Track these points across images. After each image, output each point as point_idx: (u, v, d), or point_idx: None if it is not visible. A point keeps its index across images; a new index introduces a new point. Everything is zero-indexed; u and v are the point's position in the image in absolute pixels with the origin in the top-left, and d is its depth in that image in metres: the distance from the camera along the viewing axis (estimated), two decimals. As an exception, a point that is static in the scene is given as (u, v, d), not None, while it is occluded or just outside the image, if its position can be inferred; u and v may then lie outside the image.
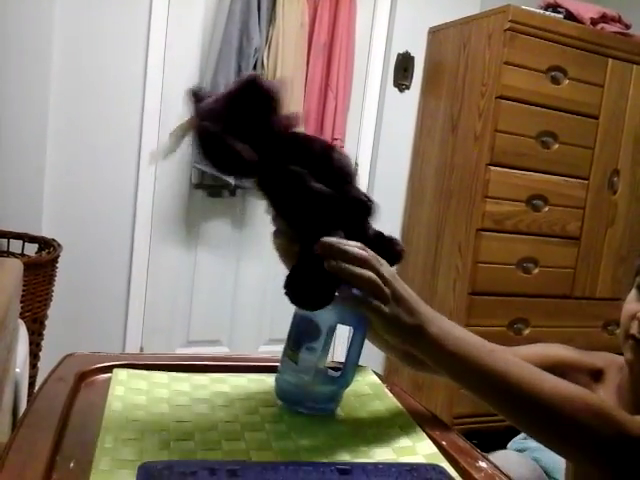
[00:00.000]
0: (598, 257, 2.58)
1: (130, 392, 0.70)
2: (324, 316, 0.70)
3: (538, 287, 2.49)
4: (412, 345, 0.65)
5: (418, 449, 0.65)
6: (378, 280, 0.63)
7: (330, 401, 0.74)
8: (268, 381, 0.79)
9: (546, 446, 0.68)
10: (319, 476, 0.53)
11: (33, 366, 1.84)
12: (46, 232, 2.16)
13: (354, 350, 0.72)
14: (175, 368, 0.79)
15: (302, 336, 0.72)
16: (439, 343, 0.64)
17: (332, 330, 0.71)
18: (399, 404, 0.76)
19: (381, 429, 0.70)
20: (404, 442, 0.67)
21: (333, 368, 0.74)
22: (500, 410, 0.66)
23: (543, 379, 0.65)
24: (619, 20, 2.55)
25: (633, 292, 0.90)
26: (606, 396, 0.92)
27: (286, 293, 0.65)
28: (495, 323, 2.44)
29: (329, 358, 0.74)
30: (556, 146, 2.42)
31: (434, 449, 0.65)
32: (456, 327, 0.67)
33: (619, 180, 2.56)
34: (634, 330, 0.86)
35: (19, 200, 2.17)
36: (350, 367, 0.72)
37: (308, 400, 0.72)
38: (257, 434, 0.64)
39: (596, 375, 0.95)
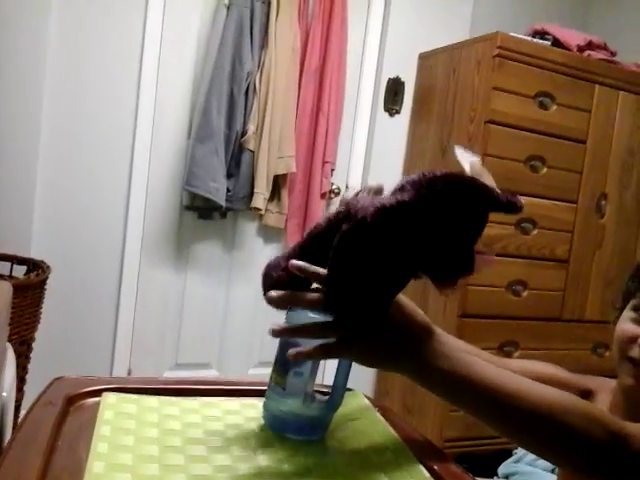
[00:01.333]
0: (587, 280, 2.60)
1: (119, 416, 0.69)
2: (311, 340, 0.70)
3: (527, 310, 2.49)
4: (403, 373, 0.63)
5: (411, 473, 0.65)
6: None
7: (319, 426, 0.73)
8: (259, 406, 0.79)
9: (545, 458, 0.66)
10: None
11: (19, 389, 1.82)
12: (35, 254, 2.15)
13: (341, 373, 0.72)
14: (165, 392, 0.78)
15: (289, 361, 0.72)
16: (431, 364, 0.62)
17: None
18: (390, 428, 0.76)
19: (373, 454, 0.69)
20: (396, 467, 0.66)
21: (322, 392, 0.74)
22: (498, 428, 0.64)
23: (541, 390, 0.63)
24: (605, 47, 2.60)
25: (628, 314, 0.89)
26: None
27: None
28: (485, 345, 2.43)
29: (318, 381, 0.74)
30: (544, 170, 2.45)
31: (426, 474, 0.65)
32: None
33: (607, 204, 2.59)
34: (634, 354, 0.85)
35: (8, 222, 2.15)
36: (338, 391, 0.72)
37: (296, 425, 0.72)
38: (249, 464, 0.63)
39: (586, 396, 0.94)
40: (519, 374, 0.70)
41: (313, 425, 0.73)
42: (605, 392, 0.95)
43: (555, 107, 2.43)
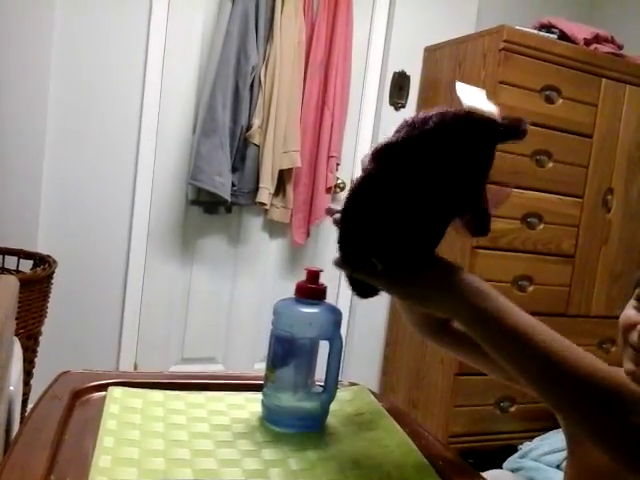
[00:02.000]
0: (592, 275, 2.59)
1: (125, 410, 0.69)
2: (300, 332, 0.71)
3: (533, 305, 2.49)
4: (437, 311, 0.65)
5: (415, 468, 0.65)
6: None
7: (315, 418, 0.74)
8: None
9: (577, 424, 0.63)
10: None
11: (26, 384, 1.83)
12: (41, 248, 2.16)
13: (333, 364, 0.73)
14: (171, 386, 0.79)
15: (278, 355, 0.73)
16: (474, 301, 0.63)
17: (311, 347, 0.72)
18: (395, 423, 0.76)
19: (377, 449, 0.69)
20: (400, 461, 0.66)
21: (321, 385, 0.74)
22: (534, 380, 0.62)
23: (588, 356, 0.61)
24: (612, 41, 2.58)
25: (632, 302, 0.90)
26: None
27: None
28: (491, 341, 2.44)
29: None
30: (550, 165, 2.44)
31: (431, 469, 0.65)
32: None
33: (613, 198, 2.58)
34: (634, 339, 0.86)
35: (15, 216, 2.16)
36: (331, 381, 0.73)
37: (292, 418, 0.72)
38: (254, 458, 0.63)
39: None
40: None
41: (309, 417, 0.73)
42: None
43: (561, 101, 2.41)
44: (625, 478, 0.81)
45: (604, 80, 2.47)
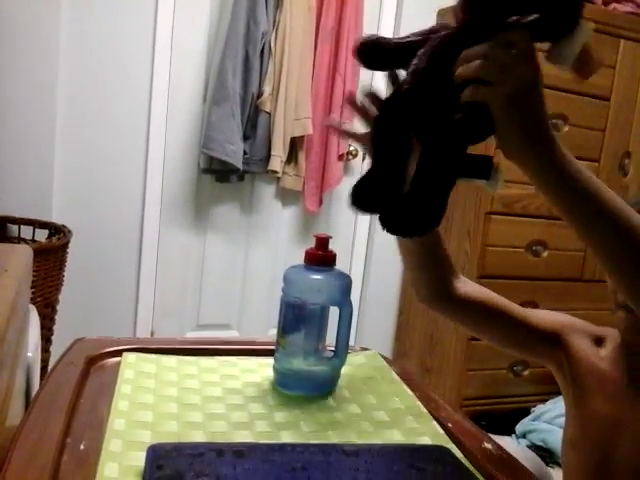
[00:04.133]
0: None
1: (139, 375, 0.71)
2: (310, 298, 0.72)
3: (548, 270, 2.48)
4: (533, 159, 0.61)
5: (424, 431, 0.66)
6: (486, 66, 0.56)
7: (326, 381, 0.75)
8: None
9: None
10: (325, 457, 0.54)
11: (45, 350, 1.87)
12: (56, 218, 2.18)
13: (342, 329, 0.73)
14: (184, 352, 0.80)
15: (289, 321, 0.73)
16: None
17: (321, 312, 0.72)
18: (406, 387, 0.77)
19: (387, 411, 0.70)
20: (410, 424, 0.67)
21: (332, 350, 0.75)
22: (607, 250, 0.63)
23: None
24: (632, 0, 2.51)
25: None
26: (604, 360, 0.93)
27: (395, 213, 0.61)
28: (504, 307, 2.44)
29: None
30: (567, 128, 2.40)
31: (440, 431, 0.66)
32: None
33: (630, 162, 2.54)
34: (619, 299, 0.87)
35: (29, 187, 2.18)
36: (342, 346, 0.74)
37: (303, 382, 0.73)
38: (265, 420, 0.64)
39: (598, 341, 0.97)
40: (541, 324, 0.71)
41: (319, 381, 0.74)
42: (612, 341, 0.97)
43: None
44: (625, 437, 0.82)
45: (622, 41, 2.41)
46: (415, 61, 0.60)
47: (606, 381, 0.72)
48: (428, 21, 2.65)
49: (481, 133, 0.61)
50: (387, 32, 2.67)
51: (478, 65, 0.56)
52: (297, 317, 0.72)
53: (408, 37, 0.63)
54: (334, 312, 0.74)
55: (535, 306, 2.49)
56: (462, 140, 0.62)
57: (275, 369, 0.75)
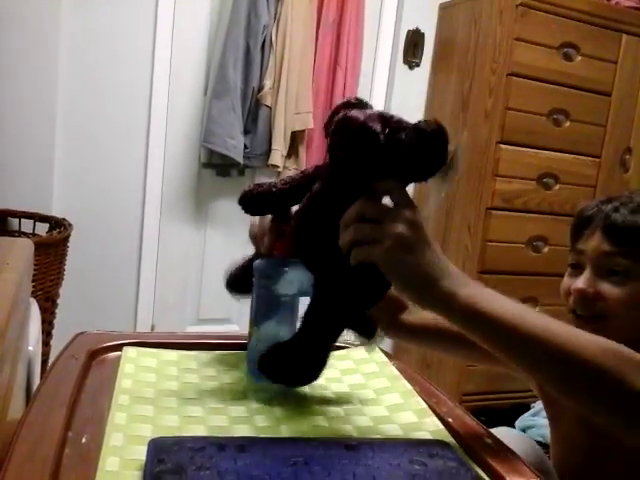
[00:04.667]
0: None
1: (140, 370, 0.71)
2: (282, 289, 0.72)
3: (548, 266, 2.48)
4: (429, 305, 0.60)
5: (424, 426, 0.66)
6: (363, 229, 0.59)
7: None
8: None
9: (576, 402, 0.64)
10: (326, 452, 0.54)
11: (46, 344, 1.87)
12: (56, 212, 2.18)
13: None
14: (185, 346, 0.80)
15: (260, 311, 0.74)
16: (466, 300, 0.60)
17: (292, 301, 0.73)
18: (406, 382, 0.77)
19: (387, 406, 0.70)
20: (410, 419, 0.67)
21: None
22: (539, 375, 0.63)
23: (575, 332, 0.62)
24: (634, -6, 2.50)
25: (567, 269, 0.92)
26: None
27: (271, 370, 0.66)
28: (504, 302, 2.44)
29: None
30: (567, 124, 2.40)
31: (440, 426, 0.66)
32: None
33: (631, 158, 2.54)
34: (571, 304, 0.87)
35: (30, 180, 2.18)
36: None
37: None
38: (265, 414, 0.64)
39: None
40: None
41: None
42: None
43: (580, 58, 2.36)
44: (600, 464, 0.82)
45: (625, 36, 2.41)
46: (300, 205, 0.67)
47: None
48: (430, 14, 2.65)
49: (377, 293, 0.65)
50: (389, 26, 2.66)
51: (353, 229, 0.60)
52: (269, 308, 0.72)
53: (288, 181, 0.70)
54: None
55: (535, 302, 2.49)
56: (358, 304, 0.66)
57: (249, 360, 0.74)
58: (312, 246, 0.66)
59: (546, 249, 2.47)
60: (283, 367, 0.65)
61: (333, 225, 0.62)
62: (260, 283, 0.74)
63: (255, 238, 0.77)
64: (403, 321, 0.87)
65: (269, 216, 0.74)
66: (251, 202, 0.72)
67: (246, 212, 0.72)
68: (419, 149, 0.60)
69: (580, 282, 0.86)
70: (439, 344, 0.93)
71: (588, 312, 0.85)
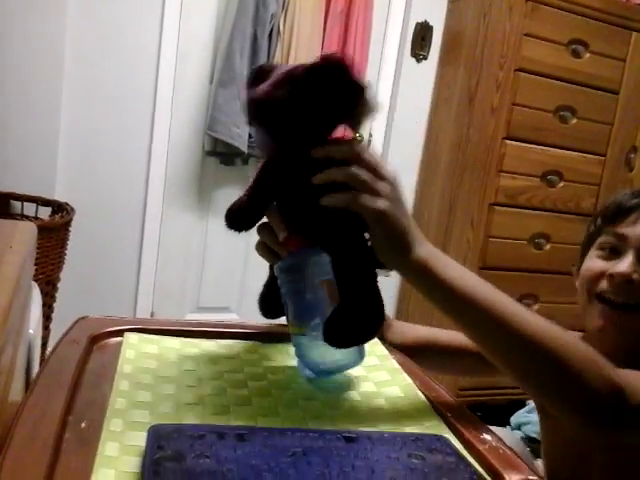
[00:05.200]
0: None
1: (141, 356, 0.71)
2: (315, 277, 0.69)
3: (550, 263, 2.48)
4: (399, 265, 0.63)
5: (423, 420, 0.66)
6: (363, 176, 0.60)
7: (352, 361, 0.72)
8: (278, 349, 0.80)
9: (533, 392, 0.66)
10: (325, 443, 0.54)
11: (45, 327, 1.87)
12: (59, 196, 2.18)
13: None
14: (186, 334, 0.80)
15: (303, 309, 0.71)
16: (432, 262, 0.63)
17: (323, 276, 0.69)
18: (406, 375, 0.77)
19: (386, 399, 0.70)
20: (409, 412, 0.67)
21: None
22: (488, 347, 0.64)
23: (544, 321, 0.62)
24: (645, -8, 2.49)
25: (595, 252, 0.88)
26: None
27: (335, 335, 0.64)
28: (505, 298, 2.44)
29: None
30: (574, 121, 2.39)
31: (439, 420, 0.66)
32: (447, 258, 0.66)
33: (636, 157, 2.53)
34: (603, 287, 0.84)
35: (33, 164, 2.17)
36: None
37: (335, 366, 0.71)
38: (265, 401, 0.65)
39: None
40: None
41: (349, 362, 0.72)
42: None
43: (588, 55, 2.35)
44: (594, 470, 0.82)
45: (634, 34, 2.40)
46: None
47: None
48: (439, 7, 2.63)
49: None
50: (397, 18, 2.64)
51: (349, 173, 0.60)
52: (309, 302, 0.70)
53: (248, 190, 0.71)
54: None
55: (535, 299, 2.49)
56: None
57: (306, 363, 0.72)
58: (295, 218, 0.67)
59: (548, 246, 2.47)
60: (351, 327, 0.64)
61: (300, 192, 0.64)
62: (290, 281, 0.71)
63: (264, 249, 0.74)
64: (393, 342, 0.87)
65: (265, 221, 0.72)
66: (233, 221, 0.71)
67: (234, 230, 0.71)
68: (319, 90, 0.59)
69: (624, 266, 0.82)
70: (435, 362, 0.93)
71: (625, 299, 0.82)
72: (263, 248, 0.74)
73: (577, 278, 0.92)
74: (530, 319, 0.61)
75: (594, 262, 0.87)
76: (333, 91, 0.59)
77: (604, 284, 0.84)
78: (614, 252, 0.85)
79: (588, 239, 0.92)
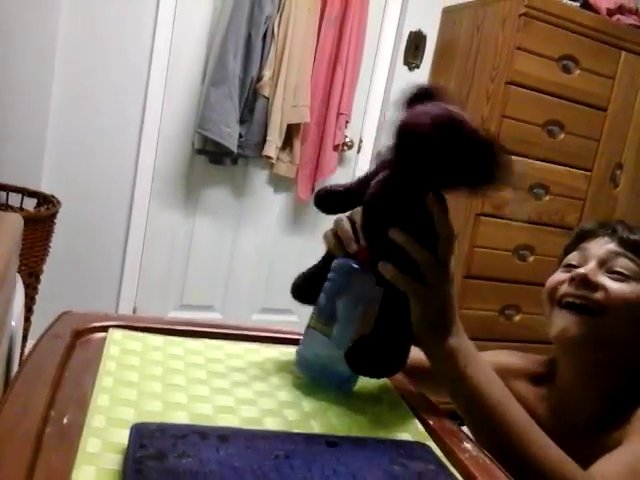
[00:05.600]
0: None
1: (125, 353, 0.71)
2: (362, 290, 0.69)
3: (533, 275, 2.50)
4: (428, 346, 0.68)
5: (405, 427, 0.66)
6: (431, 261, 0.65)
7: (351, 380, 0.72)
8: (263, 352, 0.80)
9: None
10: (308, 447, 0.54)
11: (26, 319, 1.85)
12: (45, 188, 2.16)
13: None
14: (171, 332, 0.80)
15: (336, 311, 0.70)
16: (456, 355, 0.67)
17: (372, 301, 0.69)
18: (389, 382, 0.77)
19: (370, 406, 0.71)
20: (392, 420, 0.68)
21: None
22: (488, 447, 0.65)
23: (545, 443, 0.66)
24: (636, 12, 2.53)
25: (560, 268, 0.94)
26: (542, 400, 0.93)
27: (360, 363, 0.67)
28: (487, 308, 2.46)
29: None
30: (562, 136, 2.42)
31: (421, 428, 0.66)
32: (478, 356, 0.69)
33: (622, 174, 2.56)
34: (564, 291, 0.87)
35: (20, 154, 2.15)
36: None
37: (332, 376, 0.71)
38: (250, 406, 0.64)
39: (537, 380, 0.96)
40: None
41: (346, 378, 0.72)
42: (548, 374, 0.96)
43: (578, 72, 2.38)
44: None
45: (624, 53, 2.43)
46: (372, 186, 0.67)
47: (544, 426, 0.71)
48: (433, 16, 2.65)
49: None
50: (391, 26, 2.66)
51: (425, 257, 0.65)
52: (349, 306, 0.70)
53: (355, 181, 0.72)
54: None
55: (518, 310, 2.51)
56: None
57: (306, 356, 0.73)
58: (374, 238, 0.68)
59: (532, 258, 2.49)
60: (371, 359, 0.67)
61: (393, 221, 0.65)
62: (338, 280, 0.71)
63: (335, 237, 0.73)
64: None
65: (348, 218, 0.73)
66: (325, 199, 0.73)
67: (319, 208, 0.73)
68: (471, 158, 0.61)
69: (584, 268, 0.86)
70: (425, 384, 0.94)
71: (585, 301, 0.84)
72: (334, 236, 0.73)
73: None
74: (528, 430, 0.67)
75: (556, 274, 0.92)
76: (485, 165, 0.62)
77: (564, 288, 0.87)
78: (575, 267, 0.89)
79: (558, 261, 0.97)
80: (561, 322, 0.86)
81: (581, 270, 0.86)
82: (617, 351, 0.87)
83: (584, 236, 0.93)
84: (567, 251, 0.96)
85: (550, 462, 0.64)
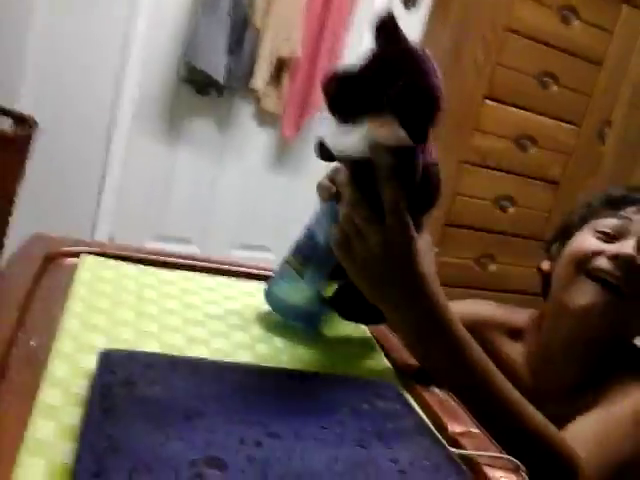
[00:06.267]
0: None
1: (97, 279, 0.69)
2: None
3: (511, 226, 2.52)
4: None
5: (375, 368, 0.67)
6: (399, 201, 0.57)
7: (319, 321, 0.72)
8: (238, 286, 0.80)
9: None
10: (276, 381, 0.54)
11: (0, 245, 1.83)
12: (22, 107, 2.09)
13: None
14: (145, 262, 0.78)
15: (314, 252, 0.68)
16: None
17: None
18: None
19: (341, 345, 0.71)
20: (362, 360, 0.68)
21: None
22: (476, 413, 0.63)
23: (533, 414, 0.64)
24: (641, -36, 2.46)
25: (587, 233, 0.88)
26: (522, 356, 0.91)
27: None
28: (464, 256, 2.48)
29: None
30: (554, 88, 2.39)
31: (391, 369, 0.67)
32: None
33: (610, 131, 2.55)
34: (601, 265, 0.82)
35: (-3, 70, 2.07)
36: None
37: (299, 314, 0.71)
38: (222, 339, 0.64)
39: (516, 334, 0.94)
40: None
41: (316, 319, 0.72)
42: (531, 331, 0.93)
43: (577, 22, 2.33)
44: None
45: (625, 6, 2.38)
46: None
47: (520, 382, 0.69)
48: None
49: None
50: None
51: (344, 226, 0.59)
52: (327, 251, 0.66)
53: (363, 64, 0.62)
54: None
55: (492, 259, 2.54)
56: None
57: (276, 292, 0.71)
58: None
59: (512, 209, 2.50)
60: (357, 304, 0.66)
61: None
62: (323, 224, 0.68)
63: (330, 187, 0.68)
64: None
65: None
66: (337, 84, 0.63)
67: (333, 103, 0.64)
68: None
69: (630, 247, 0.81)
70: None
71: (620, 282, 0.81)
72: (330, 187, 0.68)
73: (558, 258, 0.91)
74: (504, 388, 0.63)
75: (589, 240, 0.86)
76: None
77: (603, 262, 0.83)
78: (611, 237, 0.85)
79: (578, 221, 0.92)
80: (589, 296, 0.82)
81: (628, 250, 0.81)
82: (624, 332, 0.87)
83: (618, 202, 0.87)
84: (604, 206, 0.90)
85: (534, 423, 0.63)
